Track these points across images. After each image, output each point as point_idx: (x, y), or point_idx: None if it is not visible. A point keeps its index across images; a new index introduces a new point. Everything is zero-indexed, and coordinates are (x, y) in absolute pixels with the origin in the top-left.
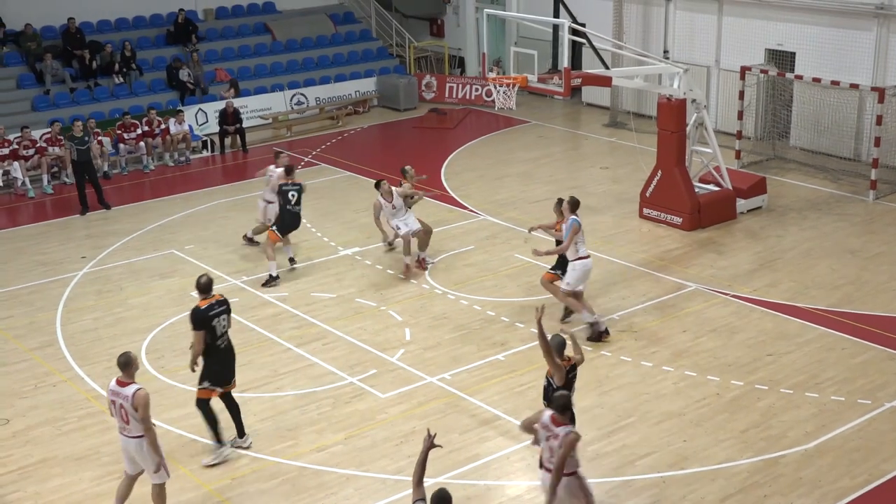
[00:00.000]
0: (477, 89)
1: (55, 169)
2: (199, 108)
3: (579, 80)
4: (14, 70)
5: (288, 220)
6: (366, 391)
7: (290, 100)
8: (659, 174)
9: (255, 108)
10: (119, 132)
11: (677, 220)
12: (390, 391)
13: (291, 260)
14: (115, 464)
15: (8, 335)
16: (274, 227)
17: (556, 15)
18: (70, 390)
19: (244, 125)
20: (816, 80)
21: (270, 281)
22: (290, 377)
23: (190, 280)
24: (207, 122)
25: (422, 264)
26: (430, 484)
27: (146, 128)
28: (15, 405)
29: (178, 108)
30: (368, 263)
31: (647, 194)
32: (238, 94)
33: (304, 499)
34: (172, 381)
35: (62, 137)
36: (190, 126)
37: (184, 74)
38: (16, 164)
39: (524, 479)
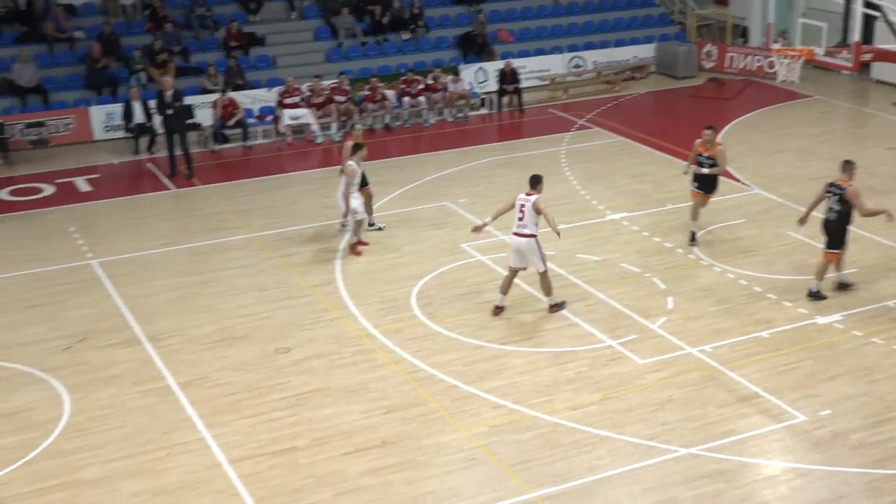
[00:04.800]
0: (759, 60)
1: (344, 118)
2: (480, 67)
3: (870, 56)
4: (312, 23)
5: None
6: (624, 355)
7: (569, 62)
8: None
9: (533, 69)
10: (403, 87)
11: None
12: (649, 358)
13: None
14: (382, 400)
15: (293, 271)
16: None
17: None
18: (344, 327)
19: (522, 86)
20: None
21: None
22: (550, 335)
23: (462, 232)
24: (487, 80)
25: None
26: (683, 454)
27: (429, 83)
28: (295, 336)
29: (456, 67)
30: (635, 230)
31: None
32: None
33: (557, 454)
34: (439, 327)
35: (349, 89)
36: (470, 84)
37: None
38: (307, 111)
39: (780, 460)
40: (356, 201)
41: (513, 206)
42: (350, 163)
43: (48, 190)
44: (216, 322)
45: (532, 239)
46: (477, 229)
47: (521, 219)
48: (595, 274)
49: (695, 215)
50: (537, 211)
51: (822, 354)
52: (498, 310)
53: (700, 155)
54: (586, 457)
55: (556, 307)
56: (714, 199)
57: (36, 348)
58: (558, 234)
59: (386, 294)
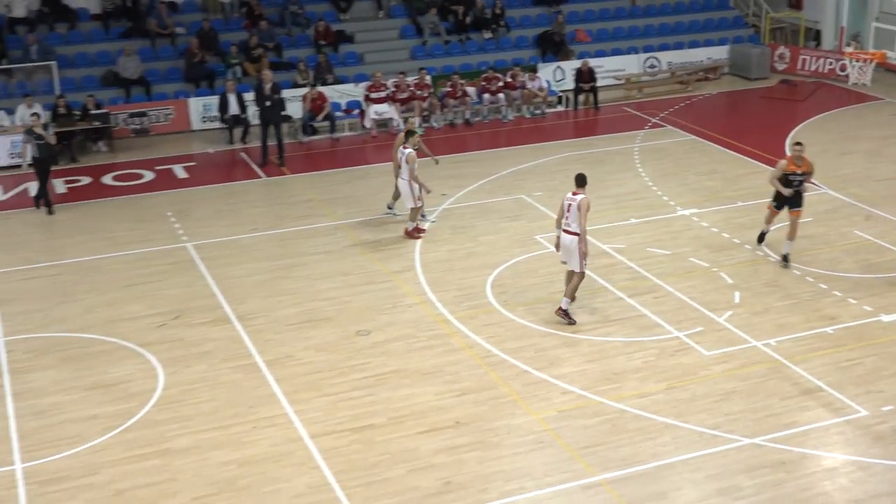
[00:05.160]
0: (831, 63)
1: (426, 112)
2: (558, 66)
3: None
4: (398, 22)
5: None
6: (690, 346)
7: (644, 62)
8: None
9: (609, 68)
10: (483, 84)
11: None
12: (714, 349)
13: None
14: (456, 383)
15: (374, 257)
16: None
17: None
18: (422, 312)
19: (598, 84)
20: None
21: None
22: (619, 324)
23: (536, 224)
24: (564, 79)
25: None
26: (746, 444)
27: (508, 80)
28: (375, 319)
29: (535, 65)
30: (705, 225)
31: None
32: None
33: (623, 439)
34: (512, 314)
35: (430, 84)
36: (547, 82)
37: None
38: (391, 106)
39: (842, 453)
40: (417, 188)
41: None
42: (410, 150)
43: (148, 176)
44: (301, 304)
45: (576, 237)
46: (558, 247)
47: (567, 218)
48: (664, 267)
49: (793, 235)
50: (579, 209)
51: (886, 352)
52: (560, 312)
53: (793, 174)
54: (651, 443)
55: (565, 314)
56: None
57: (134, 324)
58: (584, 255)
59: (462, 282)
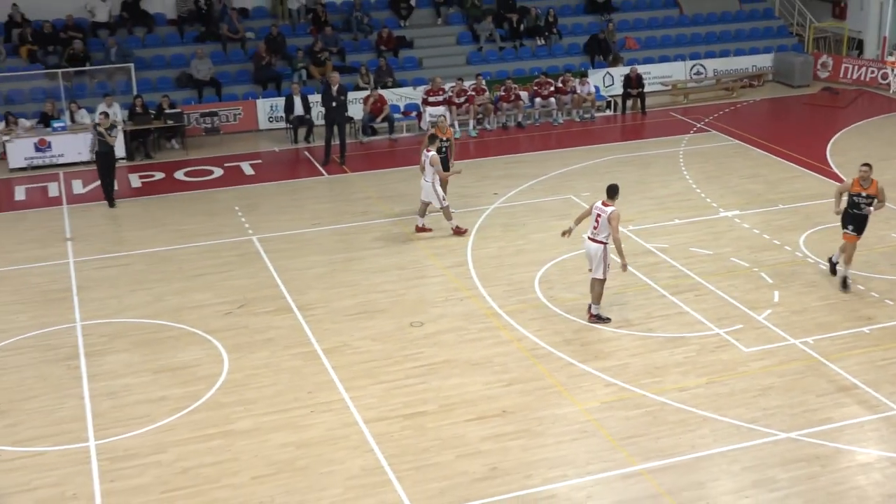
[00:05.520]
0: (873, 72)
1: (480, 115)
2: (607, 72)
3: None
4: (455, 28)
5: None
6: (730, 343)
7: (690, 69)
8: None
9: (657, 75)
10: (535, 88)
11: None
12: (753, 346)
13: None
14: (504, 373)
15: (429, 252)
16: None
17: None
18: (473, 306)
19: (645, 90)
20: None
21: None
22: (661, 321)
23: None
24: (613, 84)
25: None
26: (782, 438)
27: (559, 85)
28: (428, 311)
29: (585, 71)
30: (746, 227)
31: None
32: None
33: (663, 431)
34: (559, 309)
35: (486, 89)
36: (597, 87)
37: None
38: (445, 108)
39: (876, 449)
40: (441, 189)
41: (590, 213)
42: (433, 153)
43: (217, 172)
44: (358, 296)
45: (602, 246)
46: (566, 233)
47: (595, 227)
48: (706, 266)
49: (849, 259)
50: (610, 222)
51: None
52: (593, 318)
53: (857, 195)
54: (690, 435)
55: (597, 318)
56: (822, 201)
57: (202, 312)
58: (624, 267)
59: (512, 277)
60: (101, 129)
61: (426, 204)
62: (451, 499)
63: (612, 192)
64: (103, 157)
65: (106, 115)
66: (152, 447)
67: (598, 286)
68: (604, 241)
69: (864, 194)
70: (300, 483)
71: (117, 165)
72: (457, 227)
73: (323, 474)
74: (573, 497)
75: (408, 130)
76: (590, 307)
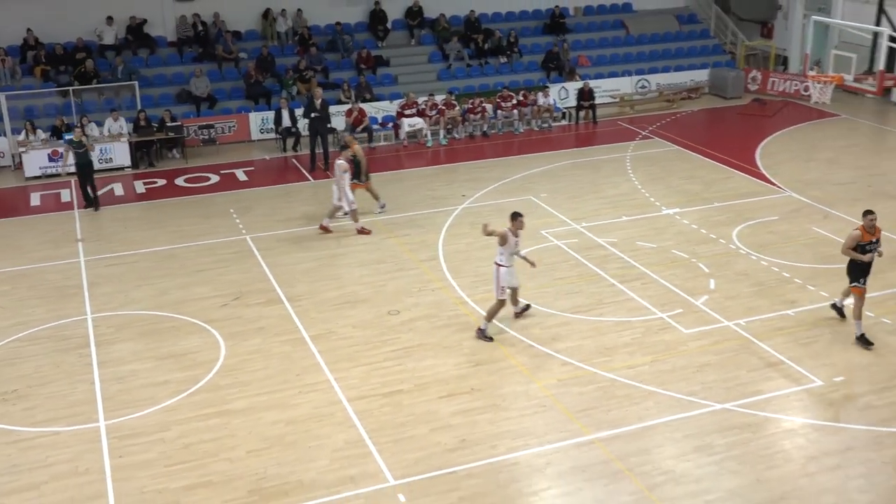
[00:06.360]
0: (796, 85)
1: (450, 126)
2: (562, 86)
3: (893, 82)
4: (427, 48)
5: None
6: (672, 326)
7: (636, 84)
8: None
9: (606, 88)
10: (498, 101)
11: None
12: (692, 328)
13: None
14: (472, 355)
15: (405, 248)
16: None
17: (878, 24)
18: (443, 296)
19: (596, 102)
20: None
21: None
22: (611, 307)
23: (543, 221)
24: (568, 97)
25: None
26: (718, 409)
27: (520, 98)
28: (404, 301)
29: (545, 85)
30: (686, 223)
31: None
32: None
33: (612, 404)
34: (521, 298)
35: (456, 104)
36: (553, 100)
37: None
38: (421, 120)
39: (800, 417)
40: (351, 194)
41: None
42: (342, 161)
43: (214, 179)
44: (342, 288)
45: (496, 268)
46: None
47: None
48: (651, 258)
49: (860, 314)
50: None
51: (838, 330)
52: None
53: (869, 243)
54: (637, 408)
55: (481, 333)
56: (752, 199)
57: (201, 304)
58: (532, 264)
59: (478, 270)
60: (77, 139)
61: (337, 207)
62: (425, 467)
63: (513, 217)
64: (81, 168)
65: (80, 127)
66: (157, 426)
67: (494, 306)
68: (497, 262)
69: (875, 241)
70: (290, 456)
71: (123, 173)
72: (362, 227)
73: (311, 448)
74: (534, 464)
75: (385, 140)
76: (481, 326)
